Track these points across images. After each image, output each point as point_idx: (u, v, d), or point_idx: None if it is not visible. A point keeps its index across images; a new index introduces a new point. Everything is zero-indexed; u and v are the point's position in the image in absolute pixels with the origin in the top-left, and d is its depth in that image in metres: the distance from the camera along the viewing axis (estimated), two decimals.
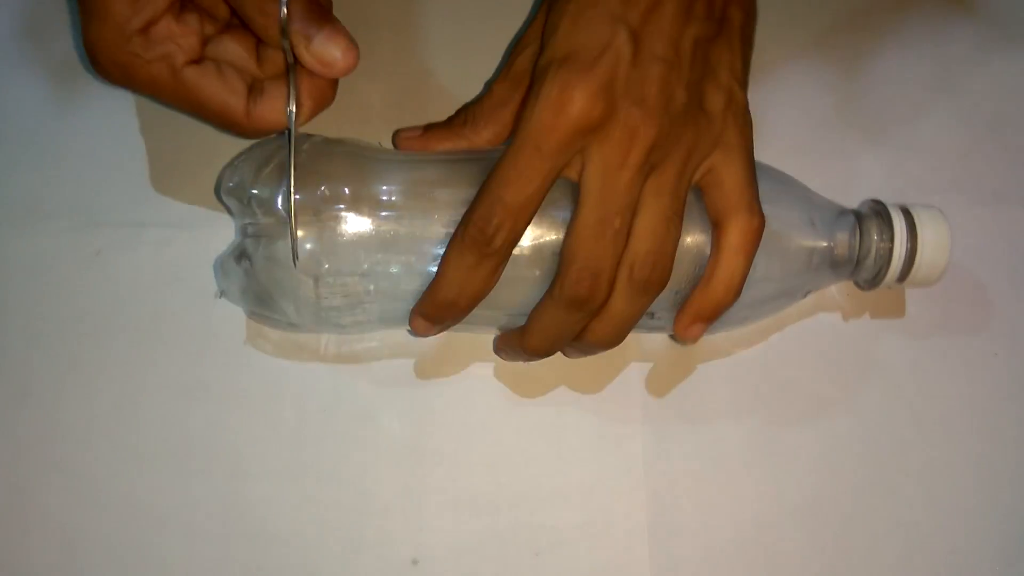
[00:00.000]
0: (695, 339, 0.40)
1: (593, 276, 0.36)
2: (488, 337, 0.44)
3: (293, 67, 0.39)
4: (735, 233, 0.38)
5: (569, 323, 0.38)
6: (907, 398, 0.44)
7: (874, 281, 0.43)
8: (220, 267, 0.43)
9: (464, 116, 0.42)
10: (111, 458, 0.42)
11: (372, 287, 0.40)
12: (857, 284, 0.45)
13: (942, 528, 0.42)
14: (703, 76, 0.38)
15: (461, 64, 0.48)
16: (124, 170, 0.46)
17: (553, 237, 0.39)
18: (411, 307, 0.40)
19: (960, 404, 0.44)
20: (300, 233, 0.39)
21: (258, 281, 0.40)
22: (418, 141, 0.42)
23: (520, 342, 0.40)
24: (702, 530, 0.41)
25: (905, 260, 0.42)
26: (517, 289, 0.39)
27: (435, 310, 0.39)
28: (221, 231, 0.45)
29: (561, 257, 0.37)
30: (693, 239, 0.39)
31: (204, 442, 0.42)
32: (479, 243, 0.36)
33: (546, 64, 0.36)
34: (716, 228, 0.39)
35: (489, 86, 0.42)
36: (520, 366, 0.43)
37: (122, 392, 0.43)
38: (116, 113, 0.47)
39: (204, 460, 0.42)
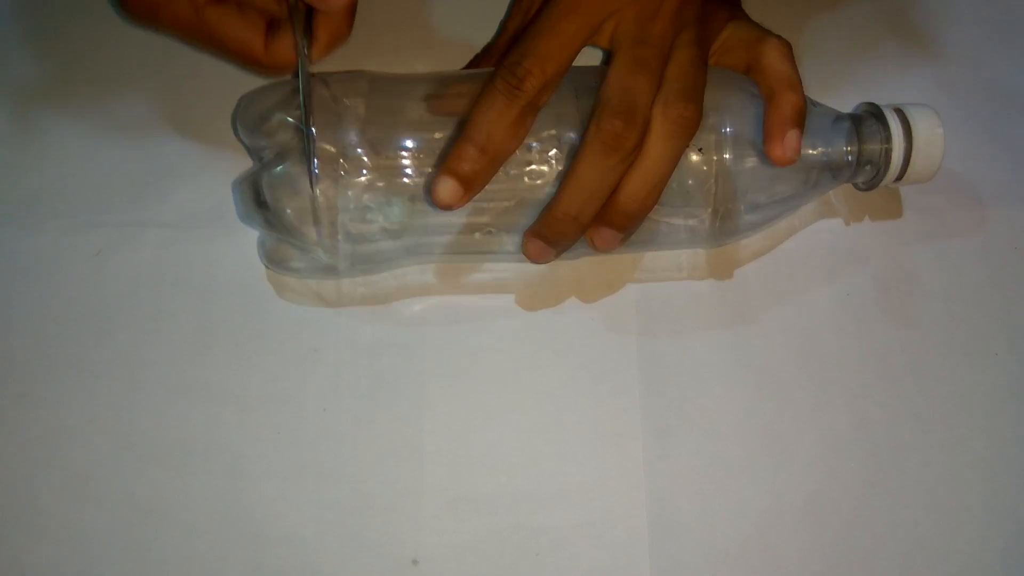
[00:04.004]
0: (796, 151, 0.40)
1: (629, 111, 0.37)
2: (488, 336, 0.44)
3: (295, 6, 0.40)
4: (771, 52, 0.41)
5: (605, 171, 0.38)
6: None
7: (873, 182, 0.45)
8: (242, 215, 0.45)
9: (485, 57, 0.44)
10: (111, 457, 0.42)
11: (392, 207, 0.41)
12: (856, 186, 0.46)
13: (944, 527, 0.42)
14: None
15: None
16: (124, 170, 0.46)
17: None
18: (433, 235, 0.41)
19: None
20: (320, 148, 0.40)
21: (278, 216, 0.41)
22: (447, 100, 0.42)
23: (552, 210, 0.39)
24: (702, 530, 0.41)
25: (903, 159, 0.43)
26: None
27: (462, 162, 0.38)
28: (222, 231, 0.45)
29: (597, 99, 0.38)
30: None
31: (204, 442, 0.42)
32: (509, 86, 0.37)
33: None
34: (752, 65, 0.42)
35: (503, 24, 0.42)
36: (521, 362, 0.43)
37: (122, 392, 0.43)
38: (117, 113, 0.48)
39: (204, 459, 0.42)
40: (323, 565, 0.40)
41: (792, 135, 0.40)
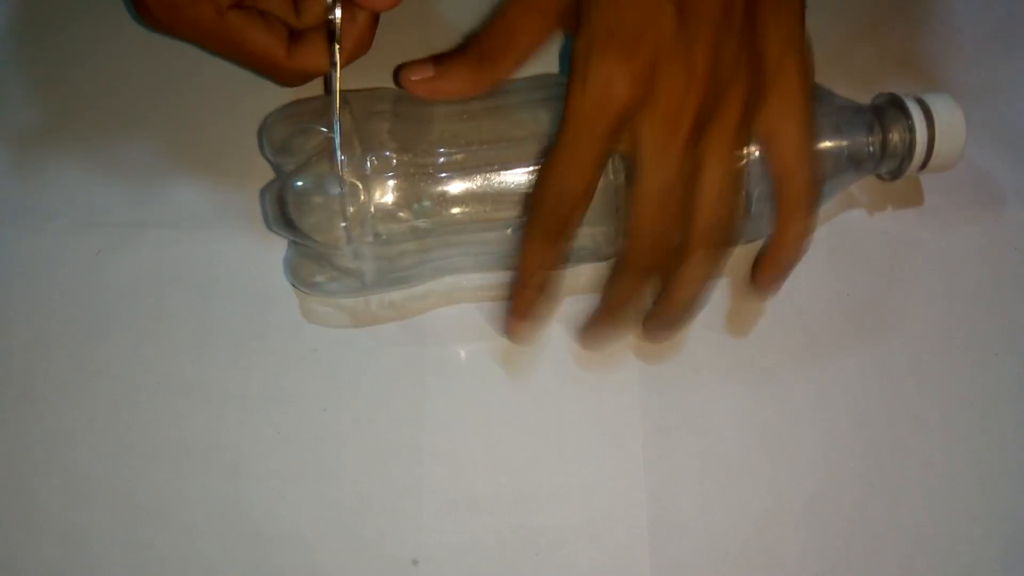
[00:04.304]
0: (775, 292, 0.42)
1: (662, 247, 0.38)
2: (487, 336, 0.44)
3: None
4: (795, 192, 0.40)
5: (637, 286, 0.39)
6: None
7: (897, 172, 0.45)
8: (269, 224, 0.44)
9: (478, 49, 0.40)
10: (111, 458, 0.42)
11: (422, 221, 0.41)
12: (879, 177, 0.46)
13: (944, 527, 0.42)
14: (758, 15, 0.37)
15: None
16: (124, 170, 0.46)
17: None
18: (467, 251, 0.42)
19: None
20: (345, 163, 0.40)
21: (305, 223, 0.41)
22: (430, 85, 0.41)
23: (598, 319, 0.41)
24: (702, 530, 0.41)
25: (926, 148, 0.43)
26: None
27: (522, 304, 0.41)
28: (222, 231, 0.45)
29: (627, 230, 0.38)
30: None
31: (204, 442, 0.42)
32: (553, 233, 0.38)
33: (587, 46, 0.36)
34: (778, 184, 0.40)
35: (498, 8, 0.40)
36: (521, 362, 0.43)
37: (122, 392, 0.43)
38: (117, 112, 0.48)
39: (204, 460, 0.42)
40: (323, 565, 0.40)
41: (777, 284, 0.42)
